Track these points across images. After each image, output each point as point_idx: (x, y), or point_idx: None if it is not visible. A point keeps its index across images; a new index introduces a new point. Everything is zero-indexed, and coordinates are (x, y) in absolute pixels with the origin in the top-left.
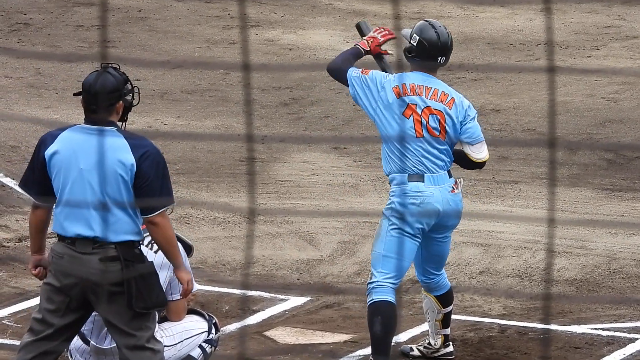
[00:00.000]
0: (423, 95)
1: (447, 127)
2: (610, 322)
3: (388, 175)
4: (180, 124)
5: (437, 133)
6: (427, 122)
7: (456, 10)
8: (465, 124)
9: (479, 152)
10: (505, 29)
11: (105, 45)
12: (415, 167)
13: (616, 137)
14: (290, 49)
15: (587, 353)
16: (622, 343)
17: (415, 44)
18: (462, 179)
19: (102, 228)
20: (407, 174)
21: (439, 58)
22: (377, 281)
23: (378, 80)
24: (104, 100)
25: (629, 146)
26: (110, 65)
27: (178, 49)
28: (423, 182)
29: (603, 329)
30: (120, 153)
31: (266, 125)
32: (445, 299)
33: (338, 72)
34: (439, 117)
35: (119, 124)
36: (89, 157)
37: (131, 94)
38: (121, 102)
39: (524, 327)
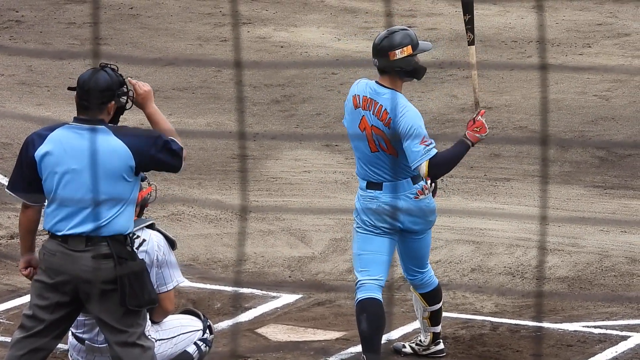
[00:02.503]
0: (371, 111)
1: (393, 144)
2: (602, 320)
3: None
4: (172, 121)
5: (387, 149)
6: (377, 139)
7: (448, 7)
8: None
9: (417, 170)
10: (497, 26)
11: (97, 42)
12: (374, 175)
13: (608, 135)
14: (281, 47)
15: (579, 351)
16: (614, 341)
17: None
18: (429, 182)
19: (95, 225)
20: (366, 181)
21: (374, 59)
22: (362, 280)
23: (349, 94)
24: (96, 98)
25: (620, 144)
26: (108, 65)
27: (170, 47)
28: (381, 190)
29: (595, 327)
30: (114, 148)
31: (258, 122)
32: (431, 297)
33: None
34: (382, 137)
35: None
36: (82, 156)
37: (125, 97)
38: (113, 102)
39: (515, 324)
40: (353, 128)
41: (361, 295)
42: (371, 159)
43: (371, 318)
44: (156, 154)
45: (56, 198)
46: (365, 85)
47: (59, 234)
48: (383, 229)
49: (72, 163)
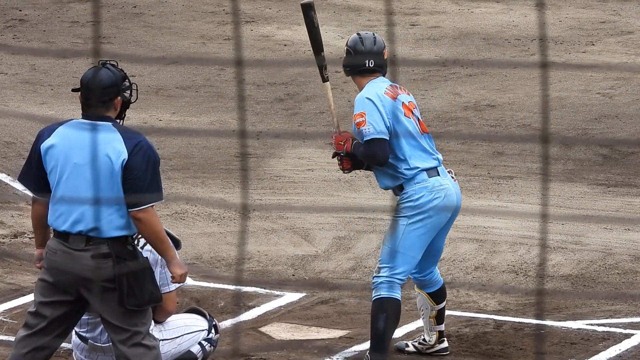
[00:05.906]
0: (401, 92)
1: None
2: (606, 318)
3: (400, 183)
4: (175, 119)
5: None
6: (419, 119)
7: (451, 5)
8: None
9: None
10: (500, 24)
11: (100, 41)
12: (428, 161)
13: (611, 133)
14: (285, 45)
15: (583, 349)
16: (617, 339)
17: (345, 55)
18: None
19: (95, 224)
20: (425, 171)
21: (367, 62)
22: (386, 277)
23: (377, 105)
24: (102, 95)
25: (624, 141)
26: (108, 62)
27: (173, 45)
28: (439, 175)
29: (598, 325)
30: (113, 145)
31: (261, 121)
32: (438, 296)
33: (373, 156)
34: (417, 109)
35: (117, 121)
36: (83, 151)
37: (129, 91)
38: (119, 98)
39: (519, 322)
40: (400, 118)
41: (384, 293)
42: (427, 142)
43: (390, 319)
44: (142, 178)
45: (58, 192)
46: (378, 83)
47: (59, 229)
48: (439, 226)
49: (75, 157)
